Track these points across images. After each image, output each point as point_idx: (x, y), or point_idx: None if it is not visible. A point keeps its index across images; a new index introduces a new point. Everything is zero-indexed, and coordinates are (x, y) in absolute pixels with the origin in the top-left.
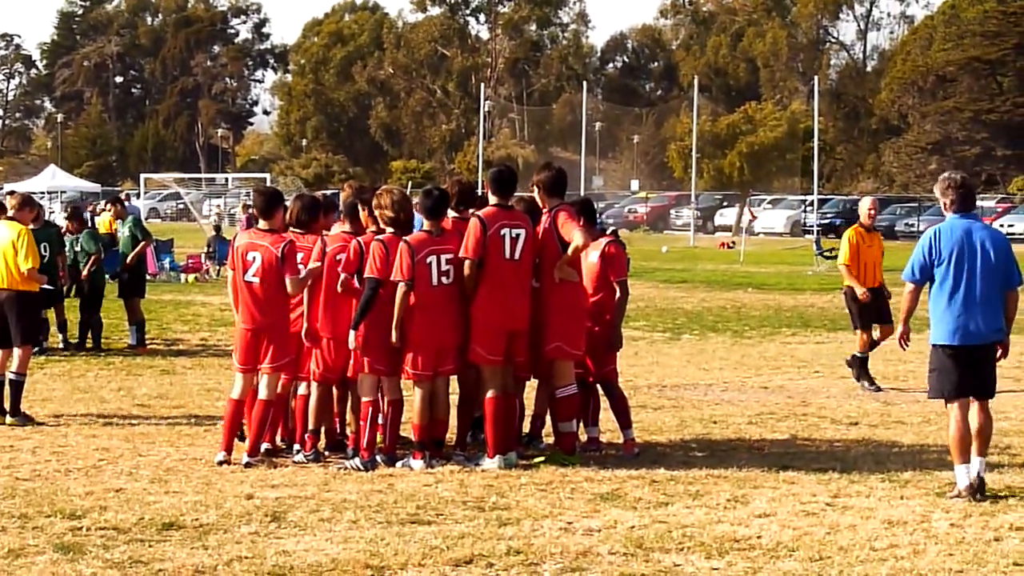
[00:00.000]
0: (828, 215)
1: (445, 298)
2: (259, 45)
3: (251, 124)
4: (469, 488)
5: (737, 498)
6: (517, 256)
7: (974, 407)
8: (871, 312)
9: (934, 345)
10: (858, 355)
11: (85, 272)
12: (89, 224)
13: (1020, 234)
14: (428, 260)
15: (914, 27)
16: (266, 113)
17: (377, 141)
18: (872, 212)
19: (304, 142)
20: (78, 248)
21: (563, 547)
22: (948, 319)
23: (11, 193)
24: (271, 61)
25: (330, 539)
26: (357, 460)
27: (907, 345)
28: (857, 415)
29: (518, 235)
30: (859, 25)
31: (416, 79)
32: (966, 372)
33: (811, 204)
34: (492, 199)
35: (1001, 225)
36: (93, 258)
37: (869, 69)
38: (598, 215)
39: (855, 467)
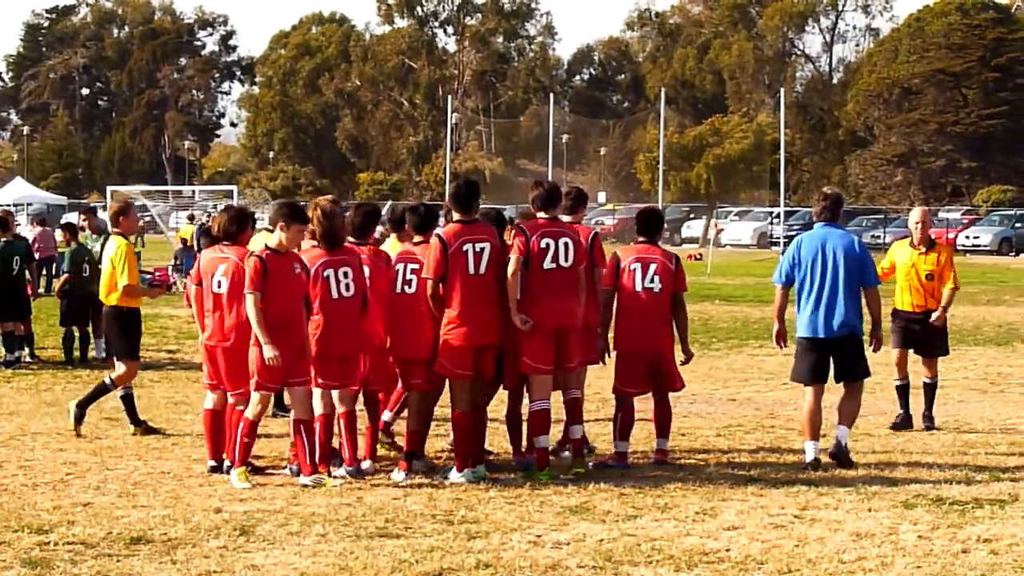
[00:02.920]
0: (795, 227)
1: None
2: (226, 57)
3: (218, 136)
4: (438, 501)
5: (706, 511)
6: (482, 271)
7: (842, 391)
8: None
9: (796, 337)
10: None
11: (57, 290)
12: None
13: (986, 246)
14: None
15: (879, 40)
16: (233, 125)
17: (344, 153)
18: (918, 224)
19: (271, 154)
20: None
21: (532, 560)
22: (804, 315)
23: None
24: (238, 73)
25: (299, 553)
26: (343, 470)
27: (783, 345)
28: (824, 427)
29: (482, 249)
30: (825, 38)
31: (383, 91)
32: (820, 360)
33: (778, 216)
34: (454, 215)
35: (967, 237)
36: (66, 276)
37: (835, 81)
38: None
39: (823, 479)
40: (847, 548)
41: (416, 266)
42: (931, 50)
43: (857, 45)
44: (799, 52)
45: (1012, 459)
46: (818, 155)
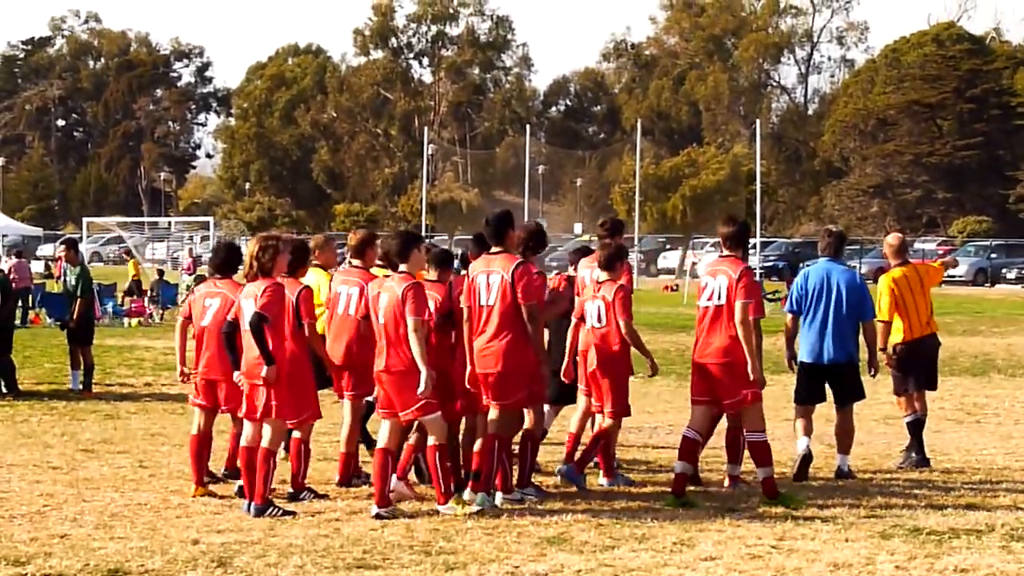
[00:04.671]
0: (771, 258)
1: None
2: (202, 88)
3: (194, 167)
4: (415, 532)
5: (683, 541)
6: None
7: (838, 416)
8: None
9: (799, 361)
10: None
11: None
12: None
13: (961, 277)
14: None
15: (855, 71)
16: (209, 156)
17: (320, 184)
18: (891, 247)
19: (247, 185)
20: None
21: None
22: (805, 342)
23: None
24: (214, 104)
25: None
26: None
27: (794, 369)
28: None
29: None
30: (800, 69)
31: (359, 122)
32: (813, 384)
33: (754, 247)
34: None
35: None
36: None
37: (810, 112)
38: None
39: (800, 509)
40: None
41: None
42: (906, 81)
43: (832, 76)
44: (775, 83)
45: (988, 489)
46: (794, 186)
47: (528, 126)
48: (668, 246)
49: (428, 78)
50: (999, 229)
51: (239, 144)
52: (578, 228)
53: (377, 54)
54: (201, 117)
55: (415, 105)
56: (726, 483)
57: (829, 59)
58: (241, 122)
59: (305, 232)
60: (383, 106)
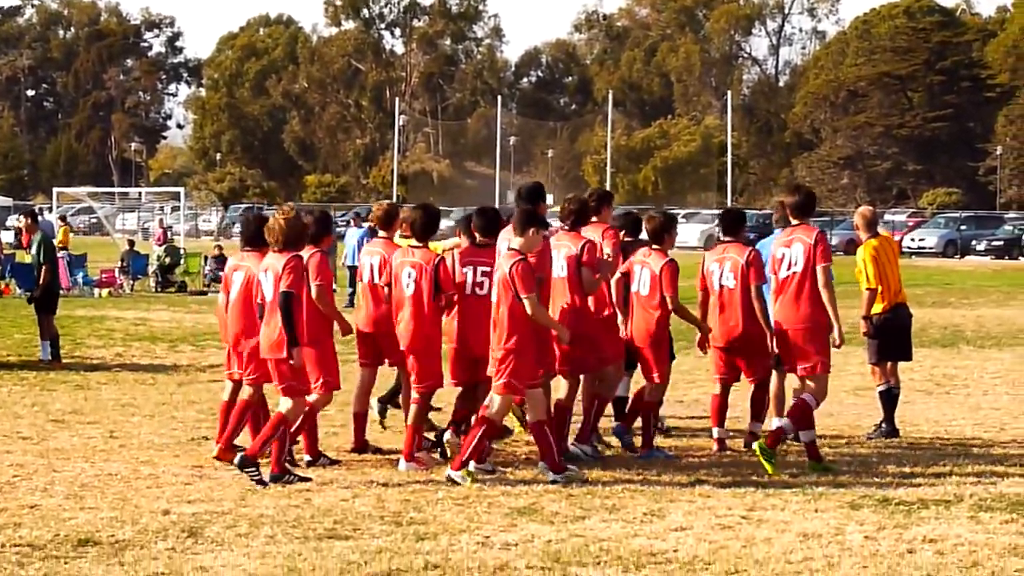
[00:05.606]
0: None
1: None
2: (173, 59)
3: (165, 138)
4: (386, 503)
5: (653, 512)
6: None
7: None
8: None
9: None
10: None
11: None
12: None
13: (931, 248)
14: (465, 270)
15: (826, 43)
16: (180, 127)
17: (291, 155)
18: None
19: (218, 156)
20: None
21: (480, 562)
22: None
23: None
24: (185, 75)
25: (247, 554)
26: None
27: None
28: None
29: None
30: (771, 40)
31: (330, 93)
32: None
33: None
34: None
35: (912, 239)
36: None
37: (782, 84)
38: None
39: (770, 480)
40: (794, 548)
41: (486, 268)
42: (877, 53)
43: (803, 48)
44: (746, 55)
45: (957, 460)
46: (765, 158)
47: (500, 97)
48: None
49: (400, 49)
50: (969, 201)
51: (210, 115)
52: (550, 199)
53: (348, 25)
54: (172, 87)
55: (386, 76)
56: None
57: (800, 31)
58: (212, 93)
59: (276, 203)
60: (354, 77)
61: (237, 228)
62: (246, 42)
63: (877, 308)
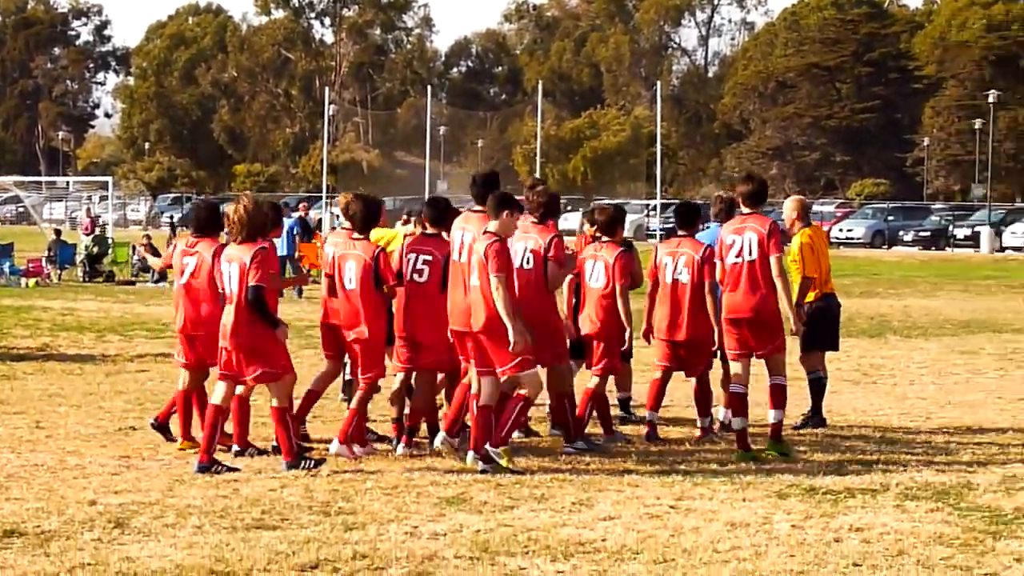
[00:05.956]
0: (671, 220)
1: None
2: (100, 47)
3: (92, 127)
4: (315, 493)
5: (582, 501)
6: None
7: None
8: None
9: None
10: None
11: None
12: None
13: (859, 239)
14: (409, 256)
15: (755, 34)
16: (108, 116)
17: (221, 144)
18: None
19: (147, 145)
20: None
21: (409, 551)
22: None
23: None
24: (113, 63)
25: (174, 545)
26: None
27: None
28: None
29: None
30: (700, 31)
31: (260, 82)
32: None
33: (654, 208)
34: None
35: (840, 230)
36: None
37: (711, 75)
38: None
39: (698, 470)
40: (722, 537)
41: (428, 257)
42: (806, 44)
43: (733, 39)
44: (675, 46)
45: (884, 449)
46: (694, 148)
47: (430, 87)
48: (569, 207)
49: (329, 38)
50: (896, 192)
51: (138, 103)
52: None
53: (278, 13)
54: (100, 76)
55: (316, 65)
56: (697, 435)
57: (729, 22)
58: (140, 81)
59: (205, 192)
60: (284, 66)
61: (165, 217)
62: (175, 31)
63: (808, 297)
